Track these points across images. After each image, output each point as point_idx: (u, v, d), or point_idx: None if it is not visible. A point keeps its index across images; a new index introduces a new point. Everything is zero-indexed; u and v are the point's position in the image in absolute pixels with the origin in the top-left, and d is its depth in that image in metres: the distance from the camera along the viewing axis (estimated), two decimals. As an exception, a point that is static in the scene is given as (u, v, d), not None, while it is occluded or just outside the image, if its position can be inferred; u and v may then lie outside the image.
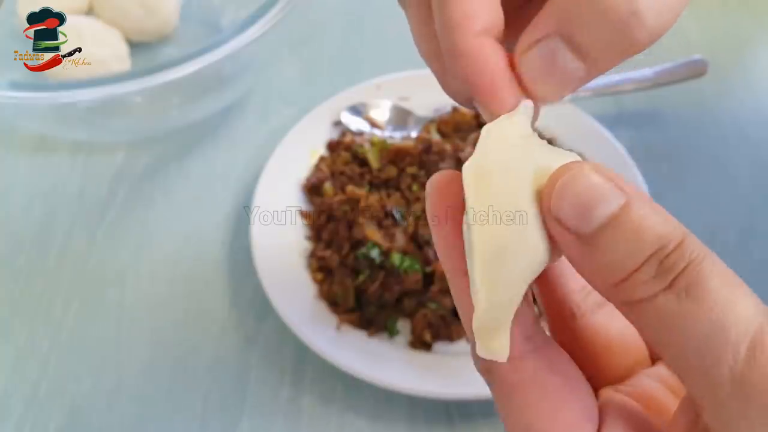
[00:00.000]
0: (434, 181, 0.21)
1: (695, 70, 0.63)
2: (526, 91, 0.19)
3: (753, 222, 0.57)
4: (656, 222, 0.17)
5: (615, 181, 0.18)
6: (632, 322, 0.18)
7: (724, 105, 0.66)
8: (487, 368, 0.20)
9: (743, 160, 0.62)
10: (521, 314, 0.20)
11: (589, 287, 0.23)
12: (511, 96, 0.19)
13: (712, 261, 0.17)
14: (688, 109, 0.65)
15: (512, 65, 0.19)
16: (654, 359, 0.23)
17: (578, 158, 0.19)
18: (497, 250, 0.18)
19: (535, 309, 0.21)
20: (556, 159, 0.19)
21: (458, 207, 0.20)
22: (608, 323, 0.23)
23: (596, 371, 0.22)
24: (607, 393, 0.21)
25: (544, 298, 0.23)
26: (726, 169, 0.61)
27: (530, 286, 0.19)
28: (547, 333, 0.21)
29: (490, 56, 0.19)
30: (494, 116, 0.19)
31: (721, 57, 0.67)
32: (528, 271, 0.19)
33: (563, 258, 0.22)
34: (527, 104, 0.19)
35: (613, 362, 0.22)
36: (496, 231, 0.18)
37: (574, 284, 0.23)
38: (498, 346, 0.19)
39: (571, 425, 0.19)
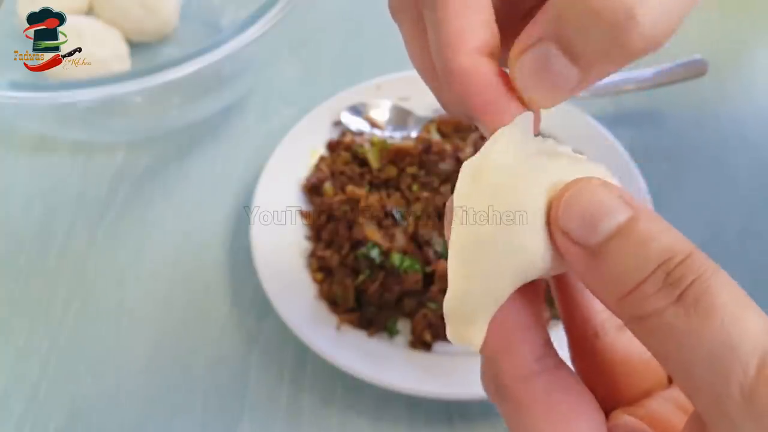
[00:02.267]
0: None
1: (695, 70, 0.63)
2: (519, 98, 0.19)
3: (753, 222, 0.57)
4: (663, 235, 0.17)
5: (623, 196, 0.18)
6: (641, 339, 0.18)
7: (724, 105, 0.66)
8: (497, 388, 0.20)
9: (743, 160, 0.62)
10: (533, 336, 0.20)
11: None
12: (507, 112, 0.19)
13: (720, 276, 0.17)
14: (688, 109, 0.65)
15: (507, 81, 0.19)
16: (672, 380, 0.23)
17: (586, 161, 0.19)
18: (479, 241, 0.18)
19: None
20: (563, 167, 0.19)
21: None
22: (630, 345, 0.23)
23: (613, 391, 0.22)
24: (617, 416, 0.21)
25: (566, 315, 0.23)
26: (726, 169, 0.61)
27: (539, 307, 0.20)
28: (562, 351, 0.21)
29: (484, 75, 0.19)
30: (492, 132, 0.19)
31: (721, 57, 0.67)
32: (515, 272, 0.18)
33: None
34: (526, 116, 0.19)
35: (632, 383, 0.22)
36: (482, 226, 0.18)
37: (598, 304, 0.23)
38: (470, 334, 0.19)
39: None
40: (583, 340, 0.23)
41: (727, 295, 0.16)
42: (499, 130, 0.19)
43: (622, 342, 0.23)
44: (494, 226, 0.18)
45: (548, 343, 0.20)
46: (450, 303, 0.19)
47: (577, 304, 0.23)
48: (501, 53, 0.20)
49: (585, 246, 0.18)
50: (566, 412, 0.19)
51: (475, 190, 0.19)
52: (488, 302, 0.19)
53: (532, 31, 0.18)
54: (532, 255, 0.18)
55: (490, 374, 0.21)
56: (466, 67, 0.19)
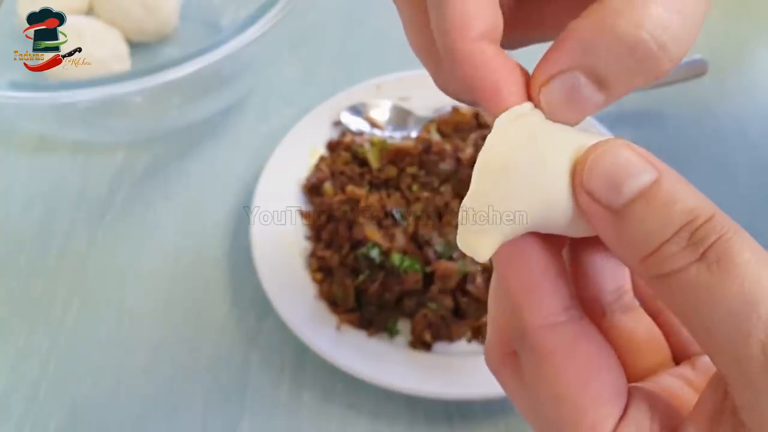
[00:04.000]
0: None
1: (695, 70, 0.63)
2: (533, 100, 0.19)
3: (753, 222, 0.56)
4: (687, 196, 0.17)
5: (647, 156, 0.18)
6: (663, 298, 0.18)
7: (724, 105, 0.66)
8: (521, 334, 0.20)
9: (743, 160, 0.62)
10: (561, 287, 0.20)
11: (622, 289, 0.23)
12: (515, 99, 0.19)
13: (743, 236, 0.17)
14: (688, 109, 0.65)
15: (511, 65, 0.19)
16: (678, 362, 0.23)
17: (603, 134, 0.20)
18: (508, 165, 0.18)
19: None
20: (584, 135, 0.19)
21: None
22: (636, 325, 0.23)
23: None
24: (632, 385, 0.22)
25: (576, 293, 0.23)
26: (726, 169, 0.61)
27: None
28: None
29: (490, 61, 0.19)
30: (496, 112, 0.19)
31: (721, 57, 0.67)
32: (538, 208, 0.19)
33: (599, 260, 0.23)
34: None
35: (637, 362, 0.23)
36: (516, 149, 0.18)
37: (609, 285, 0.23)
38: (478, 244, 0.19)
39: (600, 397, 0.19)
40: (590, 318, 0.23)
41: (749, 254, 0.16)
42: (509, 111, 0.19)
43: (627, 321, 0.23)
44: (526, 157, 0.18)
45: (573, 297, 0.20)
46: (468, 203, 0.19)
47: (587, 283, 0.23)
48: (504, 31, 0.20)
49: (609, 207, 0.18)
50: (589, 362, 0.19)
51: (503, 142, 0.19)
52: (501, 225, 0.19)
53: (557, 58, 0.18)
54: (560, 210, 0.19)
55: (512, 326, 0.21)
56: (473, 54, 0.19)
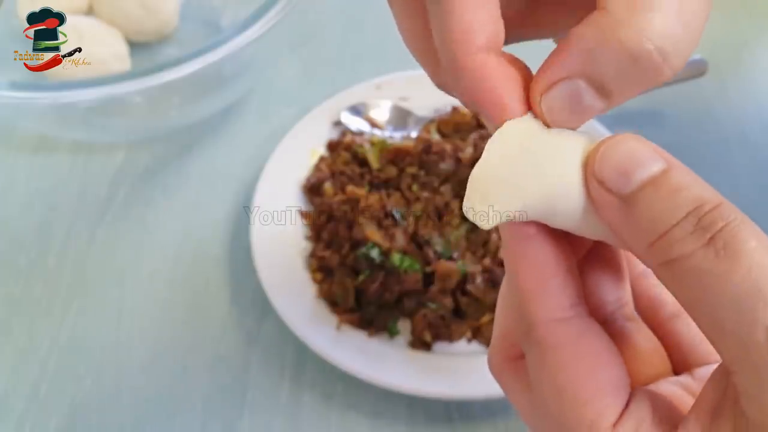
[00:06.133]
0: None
1: (695, 70, 0.63)
2: (534, 106, 0.20)
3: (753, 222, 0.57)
4: (695, 185, 0.18)
5: (656, 149, 0.18)
6: (668, 285, 0.18)
7: (724, 105, 0.66)
8: (527, 329, 0.21)
9: (743, 160, 0.62)
10: (569, 283, 0.20)
11: (623, 299, 0.24)
12: (516, 112, 0.19)
13: (749, 224, 0.17)
14: (688, 109, 0.65)
15: (514, 74, 0.19)
16: (677, 372, 0.23)
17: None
18: (525, 147, 0.19)
19: None
20: (591, 136, 0.20)
21: None
22: (636, 334, 0.23)
23: None
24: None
25: None
26: (726, 169, 0.61)
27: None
28: None
29: (493, 72, 0.19)
30: (497, 124, 0.20)
31: (721, 57, 0.67)
32: (547, 194, 0.19)
33: (601, 274, 0.23)
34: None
35: (639, 371, 0.23)
36: (533, 138, 0.19)
37: (610, 296, 0.24)
38: (481, 211, 0.20)
39: (602, 390, 0.19)
40: None
41: (755, 242, 0.17)
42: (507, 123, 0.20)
43: (627, 330, 0.23)
44: (542, 143, 0.19)
45: (581, 295, 0.21)
46: (478, 170, 0.19)
47: (589, 294, 0.23)
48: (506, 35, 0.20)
49: (619, 194, 0.18)
50: (593, 356, 0.20)
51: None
52: (512, 198, 0.19)
53: (559, 65, 0.19)
54: (566, 196, 0.19)
55: (520, 322, 0.21)
56: (475, 66, 0.19)
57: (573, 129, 0.20)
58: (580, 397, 0.19)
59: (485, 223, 0.20)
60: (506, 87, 0.19)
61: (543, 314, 0.20)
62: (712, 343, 0.17)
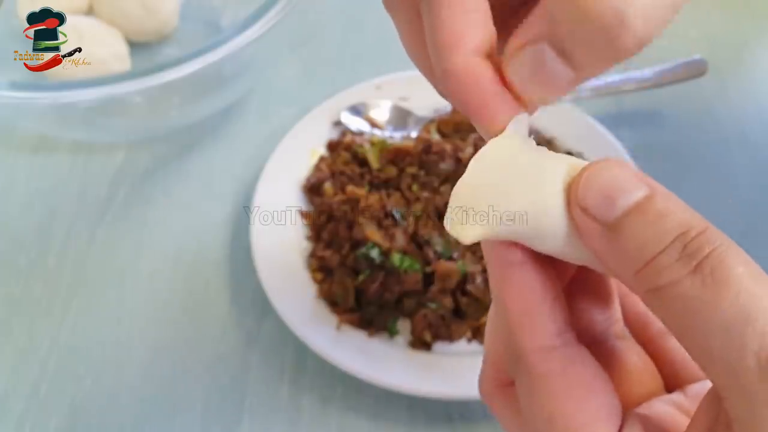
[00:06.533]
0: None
1: (695, 70, 0.63)
2: (514, 95, 0.20)
3: (753, 222, 0.57)
4: (680, 210, 0.18)
5: (640, 175, 0.18)
6: (657, 312, 0.18)
7: (724, 105, 0.66)
8: (516, 358, 0.20)
9: (743, 160, 0.62)
10: (556, 311, 0.20)
11: (613, 317, 0.24)
12: (503, 113, 0.19)
13: (735, 250, 0.17)
14: (688, 109, 0.65)
15: (503, 80, 0.19)
16: (669, 388, 0.23)
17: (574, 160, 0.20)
18: (507, 162, 0.19)
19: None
20: (572, 159, 0.20)
21: None
22: (627, 353, 0.23)
23: None
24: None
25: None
26: (726, 169, 0.61)
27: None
28: None
29: (479, 77, 0.19)
30: (489, 132, 0.20)
31: (721, 57, 0.67)
32: (528, 215, 0.19)
33: (589, 297, 0.23)
34: (520, 117, 0.20)
35: (631, 390, 0.23)
36: (516, 155, 0.19)
37: (600, 315, 0.23)
38: (463, 230, 0.20)
39: (593, 419, 0.19)
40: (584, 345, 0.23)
41: (742, 268, 0.16)
42: (486, 146, 0.20)
43: (621, 349, 0.23)
44: (525, 165, 0.19)
45: (568, 322, 0.21)
46: (461, 186, 0.19)
47: (579, 315, 0.23)
48: (497, 48, 0.20)
49: (603, 222, 0.18)
50: (583, 384, 0.20)
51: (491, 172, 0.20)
52: (493, 216, 0.19)
53: (526, 30, 0.19)
54: (549, 220, 0.19)
55: (508, 350, 0.21)
56: (462, 70, 0.19)
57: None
58: (570, 426, 0.19)
59: (465, 238, 0.20)
60: (492, 93, 0.19)
61: (531, 342, 0.20)
62: (703, 369, 0.17)
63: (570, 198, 0.19)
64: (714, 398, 0.18)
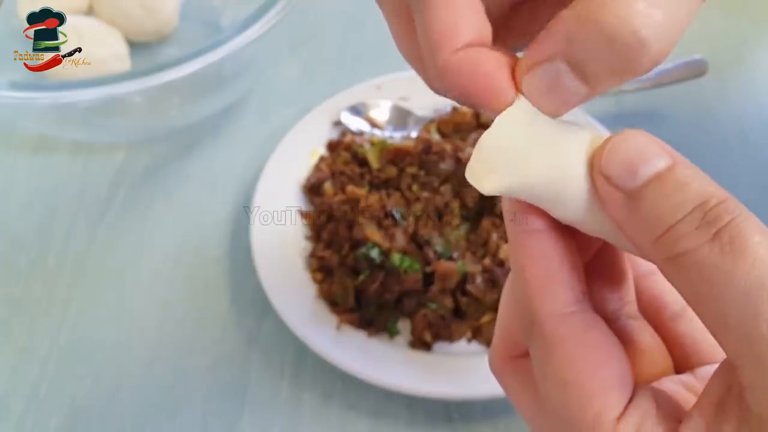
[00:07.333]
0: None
1: (695, 70, 0.63)
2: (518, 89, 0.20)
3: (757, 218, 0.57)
4: (700, 180, 0.18)
5: (663, 146, 0.19)
6: (673, 280, 0.18)
7: (724, 105, 0.66)
8: (531, 324, 0.21)
9: (743, 161, 0.62)
10: (574, 279, 0.20)
11: (626, 298, 0.24)
12: (507, 94, 0.19)
13: (754, 219, 0.17)
14: (688, 109, 0.65)
15: (502, 61, 0.19)
16: (679, 371, 0.23)
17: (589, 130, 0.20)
18: (531, 129, 0.19)
19: None
20: (592, 129, 0.20)
21: None
22: (639, 333, 0.23)
23: None
24: None
25: None
26: (726, 169, 0.61)
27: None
28: None
29: (478, 60, 0.19)
30: (495, 112, 0.20)
31: (721, 57, 0.67)
32: (552, 177, 0.19)
33: (604, 275, 0.23)
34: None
35: (642, 369, 0.23)
36: (542, 125, 0.19)
37: (613, 294, 0.24)
38: (483, 179, 0.20)
39: (607, 386, 0.19)
40: None
41: (759, 236, 0.17)
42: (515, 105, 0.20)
43: (630, 328, 0.23)
44: (550, 130, 0.19)
45: (585, 292, 0.21)
46: (486, 138, 0.20)
47: (594, 289, 0.23)
48: (496, 36, 0.20)
49: (625, 190, 0.18)
50: (598, 350, 0.20)
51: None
52: (515, 172, 0.19)
53: (541, 46, 0.19)
54: (570, 187, 0.19)
55: (524, 318, 0.21)
56: (453, 65, 0.19)
57: (556, 116, 0.20)
58: (585, 390, 0.19)
59: (485, 188, 0.20)
60: (495, 70, 0.19)
61: (549, 308, 0.20)
62: (717, 337, 0.17)
63: (593, 166, 0.19)
64: (727, 369, 0.18)
